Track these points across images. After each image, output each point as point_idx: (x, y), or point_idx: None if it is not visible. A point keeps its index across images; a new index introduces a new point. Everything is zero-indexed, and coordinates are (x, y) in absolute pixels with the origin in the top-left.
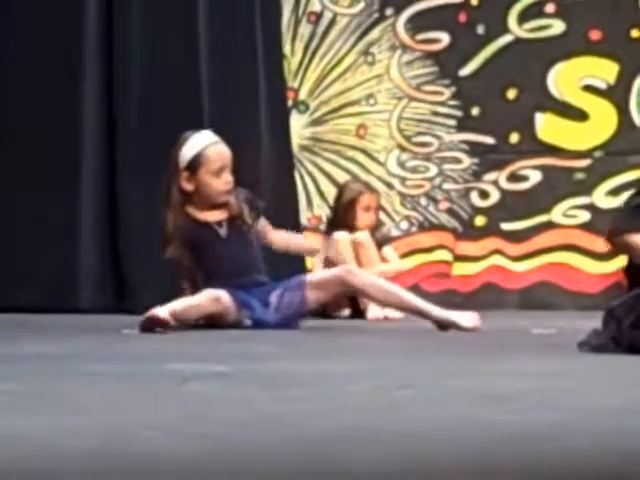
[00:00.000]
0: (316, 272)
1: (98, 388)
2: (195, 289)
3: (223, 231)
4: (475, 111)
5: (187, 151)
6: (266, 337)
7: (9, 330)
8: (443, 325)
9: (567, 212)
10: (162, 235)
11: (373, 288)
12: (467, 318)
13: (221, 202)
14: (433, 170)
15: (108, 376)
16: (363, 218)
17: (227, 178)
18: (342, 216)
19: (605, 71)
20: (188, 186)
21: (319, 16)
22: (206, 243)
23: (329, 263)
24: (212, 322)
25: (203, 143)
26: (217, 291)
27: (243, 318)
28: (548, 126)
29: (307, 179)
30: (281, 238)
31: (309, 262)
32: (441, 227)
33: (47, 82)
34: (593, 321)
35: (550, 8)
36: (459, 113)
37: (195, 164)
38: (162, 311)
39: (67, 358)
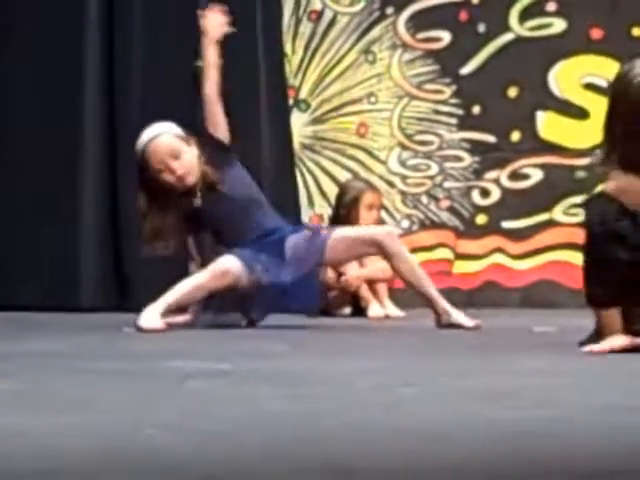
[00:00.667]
0: (353, 227)
1: (99, 386)
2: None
3: (198, 201)
4: (476, 109)
5: (137, 158)
6: (269, 335)
7: (10, 328)
8: (443, 320)
9: (568, 210)
10: (148, 237)
11: (400, 260)
12: (469, 320)
13: (184, 188)
14: (434, 168)
15: (109, 374)
16: (366, 216)
17: (171, 168)
18: (345, 214)
19: (606, 69)
20: (154, 186)
21: (320, 15)
22: (191, 220)
23: None
24: (223, 293)
25: (141, 146)
26: (225, 263)
27: (259, 277)
28: (549, 124)
29: (308, 177)
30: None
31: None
32: (442, 225)
33: (47, 85)
34: (594, 319)
35: (551, 6)
36: (460, 111)
37: (144, 169)
38: (151, 320)
39: (68, 356)
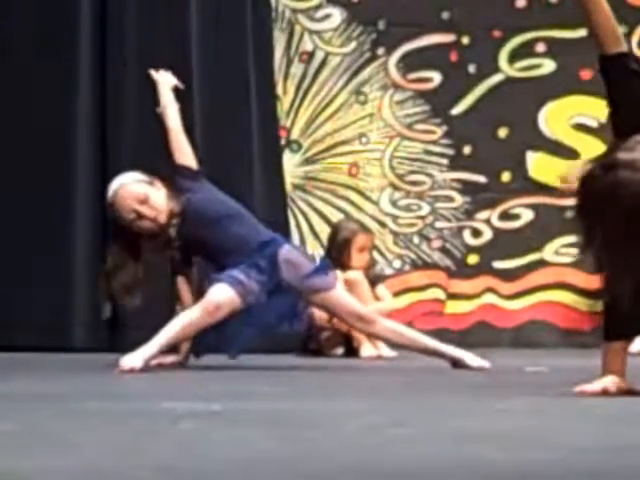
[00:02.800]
0: (344, 293)
1: (91, 428)
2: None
3: (172, 230)
4: (467, 150)
5: (109, 213)
6: (261, 375)
7: (2, 369)
8: (456, 362)
9: (559, 250)
10: (119, 293)
11: (385, 335)
12: (475, 359)
13: (159, 232)
14: (425, 209)
15: (101, 415)
16: (357, 258)
17: (142, 213)
18: (336, 255)
19: (596, 109)
20: (129, 238)
21: (311, 55)
22: (177, 259)
23: None
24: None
25: (110, 198)
26: (216, 297)
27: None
28: (539, 165)
29: (300, 218)
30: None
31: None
32: (434, 265)
33: (41, 97)
34: (585, 360)
35: (540, 47)
36: (451, 152)
37: (116, 219)
38: (132, 359)
39: (60, 397)
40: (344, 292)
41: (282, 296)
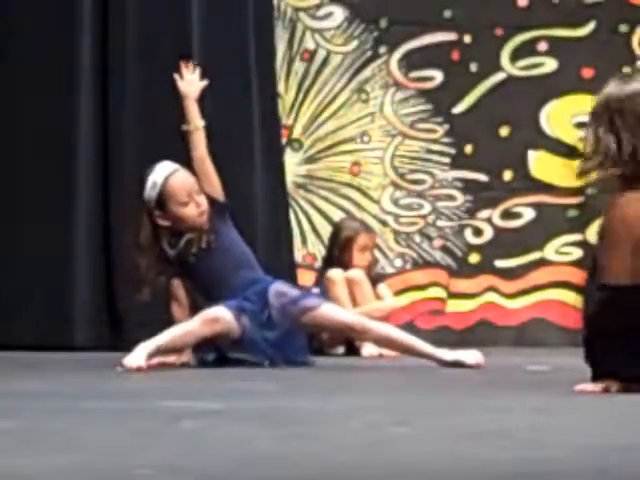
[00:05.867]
0: (333, 307)
1: (93, 426)
2: (194, 309)
3: (192, 259)
4: (468, 149)
5: (151, 191)
6: (262, 374)
7: (3, 368)
8: (449, 364)
9: (560, 249)
10: (136, 279)
11: (378, 340)
12: (470, 356)
13: (200, 225)
14: (427, 207)
15: (103, 414)
16: (359, 258)
17: (197, 202)
18: (338, 254)
19: None
20: (165, 222)
21: (313, 54)
22: (182, 274)
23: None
24: (214, 343)
25: (162, 177)
26: (215, 311)
27: (246, 328)
28: (541, 163)
29: (301, 217)
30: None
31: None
32: (435, 264)
33: (42, 96)
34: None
35: (542, 46)
36: (452, 151)
37: (163, 200)
38: (134, 358)
39: (62, 396)
40: (332, 307)
41: (285, 336)
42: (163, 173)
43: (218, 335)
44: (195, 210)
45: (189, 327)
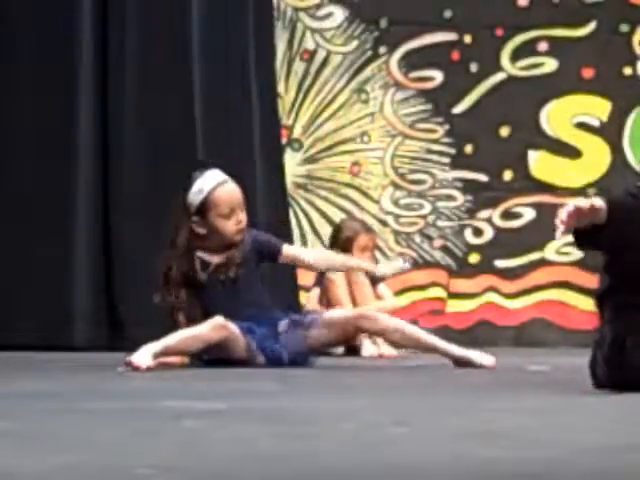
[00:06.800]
0: (332, 311)
1: (93, 426)
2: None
3: (204, 276)
4: (468, 149)
5: (195, 195)
6: (262, 374)
7: (3, 368)
8: (460, 363)
9: (560, 249)
10: (162, 279)
11: (389, 331)
12: (482, 356)
13: (235, 242)
14: (427, 207)
15: (103, 414)
16: (359, 258)
17: (238, 218)
18: (338, 254)
19: (598, 109)
20: (201, 230)
21: (312, 54)
22: (205, 287)
23: (324, 299)
24: (219, 355)
25: (210, 185)
26: (225, 319)
27: (256, 355)
28: (541, 163)
29: (301, 217)
30: (320, 259)
31: (303, 298)
32: (435, 264)
33: (42, 96)
34: (587, 358)
35: (543, 46)
36: (452, 151)
37: (204, 208)
38: (142, 356)
39: (62, 396)
40: (334, 310)
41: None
42: (212, 181)
43: (224, 341)
44: (234, 227)
45: (198, 331)
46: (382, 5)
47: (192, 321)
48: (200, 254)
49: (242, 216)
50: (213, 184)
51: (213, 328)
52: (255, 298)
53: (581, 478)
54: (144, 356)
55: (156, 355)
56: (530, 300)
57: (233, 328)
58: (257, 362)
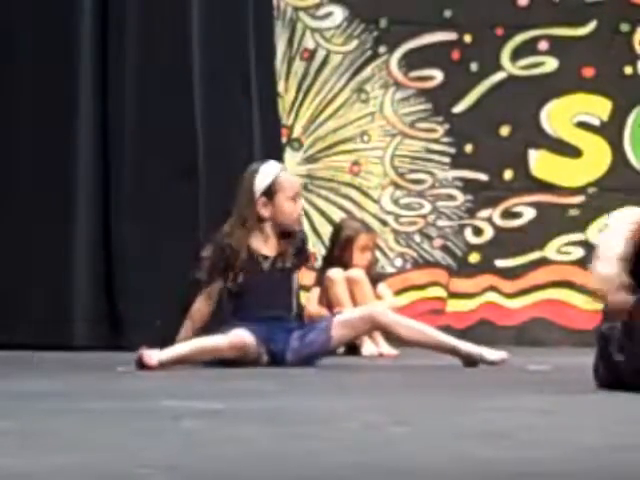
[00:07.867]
0: (344, 312)
1: (93, 426)
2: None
3: (266, 265)
4: (469, 148)
5: (262, 178)
6: (262, 374)
7: (3, 368)
8: (470, 360)
9: (561, 249)
10: (214, 260)
11: (400, 326)
12: (493, 352)
13: (293, 229)
14: (427, 207)
15: (104, 414)
16: (359, 258)
17: (299, 204)
18: (338, 254)
19: (598, 108)
20: (265, 212)
21: (312, 54)
22: (249, 273)
23: (324, 299)
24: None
25: (276, 170)
26: (242, 336)
27: (261, 354)
28: (542, 163)
29: (302, 216)
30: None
31: (303, 298)
32: (435, 264)
33: (42, 95)
34: (587, 357)
35: (543, 46)
36: (453, 150)
37: (272, 191)
38: (154, 357)
39: (62, 396)
40: (342, 314)
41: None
42: (277, 167)
43: (237, 359)
44: (297, 211)
45: (215, 346)
46: (382, 5)
47: (200, 313)
48: (252, 239)
49: (300, 203)
50: (278, 169)
51: (231, 347)
52: (286, 297)
53: (581, 478)
54: (152, 358)
55: (167, 362)
56: (530, 300)
57: (250, 344)
58: (261, 362)
